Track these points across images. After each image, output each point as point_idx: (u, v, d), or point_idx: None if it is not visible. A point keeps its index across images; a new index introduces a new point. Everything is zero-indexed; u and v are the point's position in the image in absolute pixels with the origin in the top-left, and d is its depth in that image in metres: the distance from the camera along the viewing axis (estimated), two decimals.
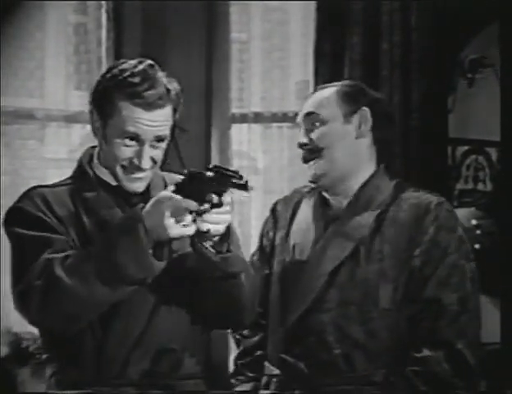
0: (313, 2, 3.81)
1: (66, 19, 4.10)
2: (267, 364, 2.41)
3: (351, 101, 2.40)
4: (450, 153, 3.97)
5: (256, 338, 2.50)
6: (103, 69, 3.65)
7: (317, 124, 2.38)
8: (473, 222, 3.79)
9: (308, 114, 2.40)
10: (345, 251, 2.33)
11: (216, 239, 2.00)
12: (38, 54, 4.08)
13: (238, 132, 4.14)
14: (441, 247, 2.29)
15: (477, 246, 3.70)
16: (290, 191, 2.63)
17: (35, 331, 3.72)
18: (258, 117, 4.15)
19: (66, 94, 4.12)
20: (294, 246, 2.44)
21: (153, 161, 2.13)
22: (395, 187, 2.41)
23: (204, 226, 1.94)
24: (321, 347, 2.31)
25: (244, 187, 1.91)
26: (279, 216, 2.54)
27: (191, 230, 1.95)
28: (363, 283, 2.30)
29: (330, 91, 2.42)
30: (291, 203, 2.53)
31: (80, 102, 3.99)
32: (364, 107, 2.40)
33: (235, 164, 4.07)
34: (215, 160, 3.98)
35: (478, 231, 3.78)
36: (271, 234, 2.55)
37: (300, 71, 4.06)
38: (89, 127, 3.74)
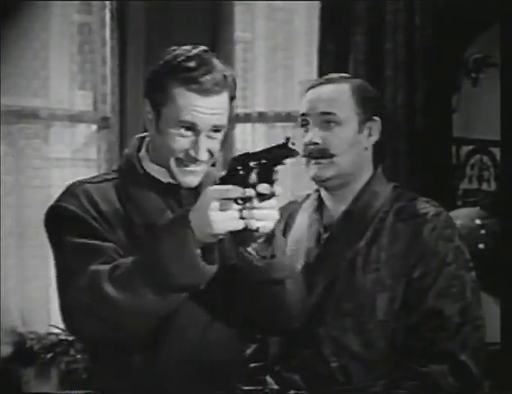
0: (317, 1, 3.80)
1: (71, 18, 4.09)
2: (267, 377, 2.35)
3: (366, 107, 2.33)
4: (454, 152, 3.96)
5: (249, 351, 2.43)
6: (107, 69, 3.96)
7: (332, 124, 2.30)
8: (477, 221, 3.75)
9: (324, 113, 2.30)
10: (341, 263, 2.26)
11: (261, 241, 1.90)
12: (42, 54, 4.06)
13: (242, 132, 4.13)
14: (439, 257, 2.23)
15: (481, 246, 3.68)
16: (292, 194, 2.58)
17: (39, 330, 3.85)
18: (261, 117, 4.13)
19: (70, 94, 4.11)
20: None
21: (210, 153, 2.00)
22: (392, 193, 2.35)
23: (253, 224, 1.81)
24: (317, 360, 2.26)
25: (292, 152, 1.79)
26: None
27: (238, 224, 1.81)
28: (359, 294, 2.24)
29: (344, 89, 2.33)
30: (285, 214, 2.44)
31: (85, 101, 4.03)
32: (376, 117, 2.35)
33: None
34: (219, 161, 3.93)
35: (482, 231, 3.73)
36: None
37: (304, 70, 4.05)
38: (93, 127, 3.96)
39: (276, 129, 4.12)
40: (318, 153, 2.28)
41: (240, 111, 4.12)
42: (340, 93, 2.32)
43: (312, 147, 2.28)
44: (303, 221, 2.40)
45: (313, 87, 2.35)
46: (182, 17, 3.93)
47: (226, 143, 3.96)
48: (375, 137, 2.35)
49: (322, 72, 3.64)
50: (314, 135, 2.28)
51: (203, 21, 3.99)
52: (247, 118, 4.14)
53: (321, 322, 2.25)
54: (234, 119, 4.04)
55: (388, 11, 3.66)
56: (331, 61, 3.65)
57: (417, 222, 2.26)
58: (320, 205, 2.39)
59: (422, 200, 2.32)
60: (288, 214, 2.44)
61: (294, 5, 4.13)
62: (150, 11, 3.93)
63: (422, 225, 2.25)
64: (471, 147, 4.05)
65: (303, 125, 2.33)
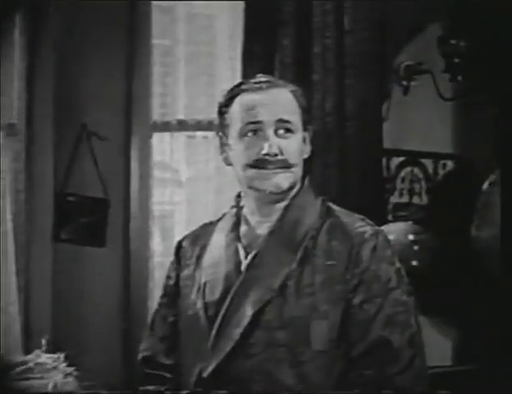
0: (241, 2, 3.61)
1: None
2: None
3: (306, 114, 2.20)
4: (384, 164, 3.83)
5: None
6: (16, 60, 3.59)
7: (289, 134, 2.14)
8: (410, 237, 3.60)
9: (282, 121, 2.13)
10: (270, 290, 2.07)
11: None
12: None
13: (160, 141, 3.92)
14: (382, 281, 2.06)
15: (414, 263, 3.52)
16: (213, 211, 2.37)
17: None
18: (181, 125, 3.92)
19: None
20: (205, 284, 2.17)
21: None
22: (321, 208, 2.19)
23: None
24: None
25: None
26: (184, 253, 2.28)
27: None
28: (292, 322, 2.04)
29: (288, 95, 2.18)
30: (200, 238, 2.28)
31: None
32: (310, 126, 2.23)
33: (157, 176, 3.87)
34: (135, 171, 3.77)
35: (416, 247, 3.59)
36: (173, 275, 2.29)
37: (227, 75, 3.86)
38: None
39: (197, 138, 3.94)
40: (278, 165, 2.11)
41: (157, 118, 3.90)
42: (288, 99, 2.17)
43: (271, 158, 2.10)
44: (219, 242, 2.20)
45: (249, 91, 2.16)
46: (96, 17, 3.73)
47: (143, 153, 3.78)
48: (309, 147, 2.21)
49: (246, 76, 3.38)
50: (273, 145, 2.11)
51: (118, 22, 3.79)
52: (165, 126, 3.91)
53: (249, 354, 2.04)
54: (151, 127, 3.84)
55: (316, 13, 3.48)
56: (255, 64, 3.44)
57: (354, 242, 2.08)
58: (237, 223, 2.20)
59: (356, 217, 2.17)
60: (204, 236, 2.28)
61: (216, 6, 3.95)
62: (64, 10, 3.69)
63: (359, 245, 2.08)
64: (401, 158, 3.94)
65: (250, 135, 2.14)
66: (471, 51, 3.62)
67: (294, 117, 2.15)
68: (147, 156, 3.82)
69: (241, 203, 2.23)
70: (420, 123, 3.84)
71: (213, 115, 3.52)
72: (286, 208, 2.16)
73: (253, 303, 2.07)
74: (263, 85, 2.16)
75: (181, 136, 3.93)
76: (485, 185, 3.60)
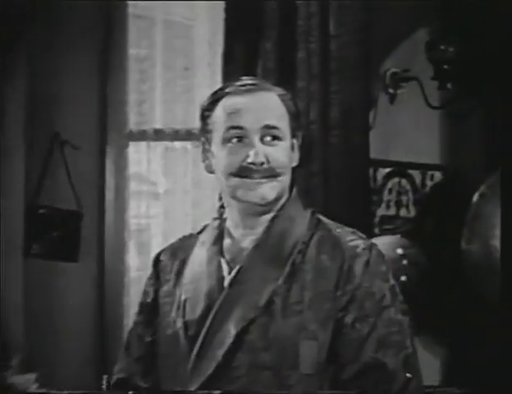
0: (221, 5, 3.49)
1: None
2: None
3: (295, 120, 2.08)
4: (370, 175, 3.75)
5: None
6: None
7: (276, 141, 2.02)
8: (399, 251, 3.49)
9: (270, 127, 2.01)
10: (255, 307, 1.96)
11: None
12: None
13: (136, 151, 3.83)
14: (375, 299, 1.95)
15: (403, 278, 3.42)
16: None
17: None
18: (158, 134, 3.82)
19: None
20: (185, 302, 2.06)
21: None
22: (310, 220, 2.07)
23: None
24: None
25: None
26: (163, 267, 2.16)
27: None
28: (279, 342, 1.92)
29: (275, 98, 2.05)
30: (180, 251, 2.16)
31: None
32: (299, 132, 2.10)
33: (133, 188, 3.79)
34: (110, 183, 3.71)
35: (404, 262, 3.48)
36: (151, 291, 2.16)
37: (207, 82, 3.75)
38: None
39: (175, 148, 3.86)
40: (264, 174, 1.99)
41: (134, 127, 3.81)
42: (276, 104, 2.05)
43: (256, 167, 1.98)
44: (200, 256, 2.09)
45: (233, 94, 2.04)
46: (70, 20, 3.65)
47: (118, 164, 3.71)
48: (298, 154, 2.09)
49: (226, 82, 3.29)
50: (259, 152, 1.98)
51: (93, 26, 3.71)
52: (142, 135, 3.81)
53: (232, 377, 1.93)
54: (127, 136, 3.76)
55: (300, 16, 3.38)
56: (237, 69, 3.33)
57: (345, 257, 1.97)
58: (220, 236, 2.10)
59: (347, 231, 2.06)
60: (184, 249, 2.17)
61: (195, 12, 3.85)
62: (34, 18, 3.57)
63: (351, 260, 1.97)
64: (388, 169, 3.85)
65: (234, 141, 2.01)
66: (461, 57, 3.56)
67: (282, 123, 2.03)
68: (122, 166, 3.74)
69: (224, 215, 2.12)
70: (407, 132, 3.77)
71: (192, 124, 3.78)
72: (273, 220, 2.04)
73: (236, 322, 1.96)
74: (249, 88, 2.04)
75: (158, 146, 3.86)
76: (475, 197, 3.48)
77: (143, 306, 2.19)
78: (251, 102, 2.02)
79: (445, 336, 3.61)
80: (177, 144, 3.84)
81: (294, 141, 2.08)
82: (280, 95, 2.06)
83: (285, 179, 2.04)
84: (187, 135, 3.79)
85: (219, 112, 2.04)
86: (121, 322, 3.64)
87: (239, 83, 2.06)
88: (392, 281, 2.00)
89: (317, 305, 1.94)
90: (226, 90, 2.06)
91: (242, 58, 3.38)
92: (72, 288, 3.64)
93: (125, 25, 3.72)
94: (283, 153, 2.02)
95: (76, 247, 3.63)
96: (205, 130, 2.08)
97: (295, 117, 2.08)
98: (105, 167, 3.71)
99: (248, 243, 2.05)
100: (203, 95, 2.13)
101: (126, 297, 3.69)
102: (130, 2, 3.70)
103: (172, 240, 2.26)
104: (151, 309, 2.15)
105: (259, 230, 2.04)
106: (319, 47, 3.39)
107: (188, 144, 3.80)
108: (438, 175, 3.93)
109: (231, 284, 2.00)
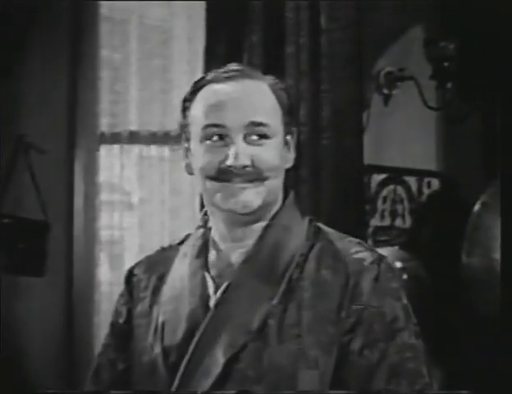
0: None
1: None
2: None
3: (289, 114, 1.86)
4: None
5: None
6: None
7: (263, 141, 1.79)
8: (398, 264, 3.36)
9: (256, 124, 1.78)
10: (246, 331, 1.77)
11: None
12: None
13: (108, 155, 3.71)
14: (386, 321, 1.76)
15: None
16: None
17: None
18: (133, 137, 3.71)
19: None
20: (163, 324, 1.87)
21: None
22: (309, 229, 1.88)
23: None
24: None
25: None
26: (137, 283, 1.97)
27: None
28: (274, 370, 1.74)
29: (264, 88, 1.83)
30: (157, 265, 1.97)
31: None
32: (294, 128, 1.89)
33: (105, 197, 3.68)
34: (79, 190, 3.60)
35: (404, 276, 3.34)
36: (124, 310, 1.97)
37: (186, 81, 3.57)
38: None
39: (151, 152, 3.73)
40: (248, 177, 1.78)
41: (105, 129, 3.69)
42: (265, 94, 1.83)
43: (237, 170, 1.78)
44: (181, 271, 1.90)
45: (214, 81, 1.83)
46: (39, 16, 3.53)
47: (88, 169, 3.64)
48: (293, 154, 1.90)
49: None
50: (242, 153, 1.78)
51: (62, 21, 3.59)
52: (114, 138, 3.70)
53: None
54: (98, 139, 3.67)
55: (289, 8, 3.22)
56: (219, 66, 3.11)
57: (350, 272, 1.78)
58: (204, 248, 1.91)
59: (351, 241, 1.86)
60: (162, 262, 1.99)
61: (174, 4, 3.69)
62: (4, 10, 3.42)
63: (358, 275, 1.78)
64: (383, 176, 3.71)
65: (214, 139, 1.80)
66: (462, 54, 3.43)
67: (272, 119, 1.81)
68: (93, 172, 3.65)
69: (209, 224, 1.93)
70: (402, 136, 3.66)
71: (170, 126, 3.70)
72: (265, 229, 1.84)
73: (224, 348, 1.78)
74: (233, 75, 1.82)
75: (133, 150, 3.74)
76: (476, 207, 3.35)
77: (114, 327, 2.00)
78: (234, 92, 1.79)
79: (445, 355, 3.45)
80: (154, 147, 3.74)
81: (289, 138, 1.86)
82: (270, 85, 1.84)
83: (275, 183, 1.82)
84: (164, 138, 3.69)
85: (198, 103, 1.83)
86: (91, 343, 3.54)
87: (222, 69, 1.84)
88: (405, 300, 1.81)
89: (318, 328, 1.76)
90: (207, 78, 1.84)
91: (225, 54, 3.24)
92: (38, 305, 3.53)
93: (97, 19, 3.63)
94: (272, 154, 1.80)
95: (42, 260, 3.49)
96: (184, 125, 1.88)
97: (289, 111, 1.86)
98: (74, 173, 3.62)
99: (237, 256, 1.85)
100: (181, 95, 1.91)
101: (97, 316, 3.60)
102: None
103: (148, 253, 2.08)
104: (124, 332, 1.97)
105: (250, 241, 1.84)
106: (309, 41, 3.25)
107: (165, 148, 3.70)
108: (435, 182, 3.85)
109: (218, 304, 1.82)
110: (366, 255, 1.80)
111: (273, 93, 1.82)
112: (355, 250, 1.82)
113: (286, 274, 1.80)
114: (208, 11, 3.30)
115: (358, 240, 1.88)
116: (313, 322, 1.76)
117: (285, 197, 1.89)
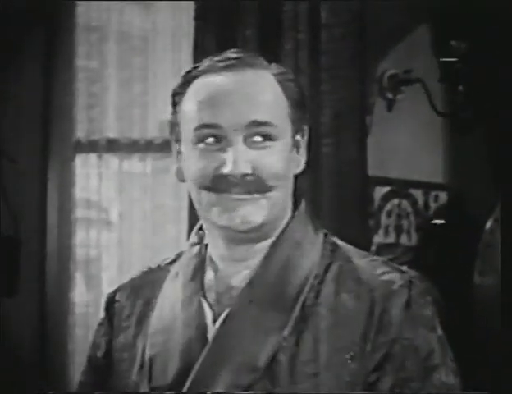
0: None
1: None
2: None
3: (299, 109, 1.63)
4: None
5: None
6: None
7: (267, 143, 1.57)
8: None
9: (258, 124, 1.56)
10: (251, 369, 1.58)
11: None
12: None
13: (84, 164, 3.60)
14: (420, 356, 1.57)
15: None
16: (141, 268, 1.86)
17: None
18: (112, 145, 3.59)
19: None
20: (151, 360, 1.66)
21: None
22: (324, 246, 1.67)
23: None
24: None
25: None
26: (119, 310, 1.77)
27: None
28: None
29: (269, 80, 1.60)
30: (143, 289, 1.78)
31: None
32: (306, 126, 1.67)
33: (81, 211, 3.56)
34: (53, 203, 3.53)
35: None
36: (103, 342, 1.77)
37: (170, 83, 3.34)
38: None
39: (132, 161, 3.60)
40: (248, 187, 1.58)
41: (82, 136, 3.57)
42: (269, 86, 1.60)
43: (236, 180, 1.58)
44: (173, 296, 1.72)
45: (208, 72, 1.60)
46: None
47: (63, 180, 3.60)
48: (304, 157, 1.68)
49: None
50: (241, 159, 1.57)
51: (35, 22, 3.51)
52: (91, 146, 3.58)
53: None
54: (74, 147, 3.58)
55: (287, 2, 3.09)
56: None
57: (376, 297, 1.58)
58: (200, 268, 1.71)
59: (376, 260, 1.67)
60: (148, 287, 1.80)
61: None
62: None
63: (385, 301, 1.58)
64: (387, 188, 3.55)
65: (209, 141, 1.59)
66: (475, 54, 3.28)
67: (278, 116, 1.58)
68: (68, 183, 3.58)
69: (205, 240, 1.72)
70: (408, 145, 3.50)
71: (152, 133, 3.57)
72: (272, 246, 1.64)
73: (226, 390, 1.58)
74: (231, 64, 1.58)
75: (112, 159, 3.62)
76: (488, 223, 3.22)
77: (91, 362, 1.81)
78: (232, 85, 1.58)
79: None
80: (135, 156, 3.62)
81: (299, 138, 1.64)
82: (276, 75, 1.61)
83: (281, 194, 1.62)
84: (146, 146, 3.56)
85: (189, 98, 1.61)
86: (64, 373, 3.46)
87: (218, 58, 1.61)
88: (440, 331, 1.61)
89: (338, 365, 1.56)
90: (200, 68, 1.60)
91: (216, 49, 2.89)
92: (7, 329, 3.42)
93: (73, 16, 3.54)
94: (277, 158, 1.58)
95: (13, 279, 3.44)
96: (174, 123, 1.66)
97: (299, 105, 1.63)
98: (47, 185, 3.57)
99: (239, 278, 1.65)
100: (165, 99, 1.76)
101: (70, 343, 3.50)
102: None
103: (128, 273, 1.97)
104: (102, 367, 1.78)
105: (254, 261, 1.63)
106: (308, 37, 3.12)
107: (147, 157, 3.57)
108: (443, 195, 3.72)
109: (217, 336, 1.61)
110: (394, 277, 1.60)
111: (279, 85, 1.61)
112: (382, 271, 1.62)
113: (299, 299, 1.60)
114: (197, 3, 3.16)
115: (382, 258, 1.69)
116: (331, 357, 1.56)
117: (295, 207, 1.66)
